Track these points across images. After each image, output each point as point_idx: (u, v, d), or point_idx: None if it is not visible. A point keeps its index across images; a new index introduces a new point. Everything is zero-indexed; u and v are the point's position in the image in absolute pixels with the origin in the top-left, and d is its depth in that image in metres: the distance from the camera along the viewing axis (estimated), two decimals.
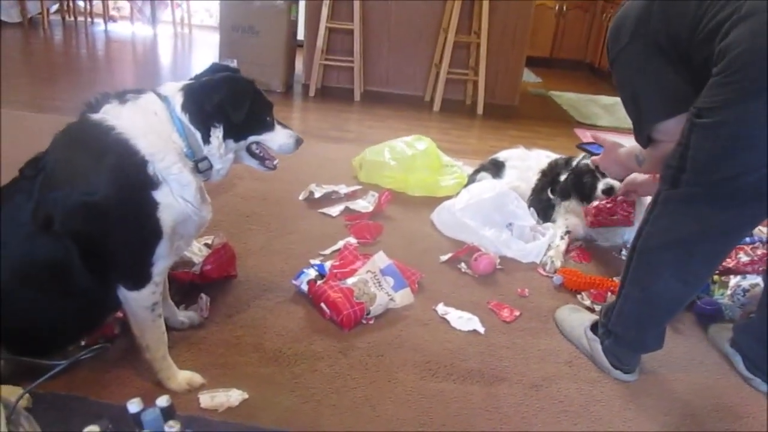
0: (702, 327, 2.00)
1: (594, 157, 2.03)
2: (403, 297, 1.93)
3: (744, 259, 2.22)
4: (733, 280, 2.12)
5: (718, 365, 1.82)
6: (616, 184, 2.38)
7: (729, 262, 2.20)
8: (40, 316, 1.32)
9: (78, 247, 1.28)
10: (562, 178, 2.63)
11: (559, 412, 1.56)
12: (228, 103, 1.42)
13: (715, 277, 2.16)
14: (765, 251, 2.20)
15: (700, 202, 1.44)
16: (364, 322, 1.83)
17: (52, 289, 1.30)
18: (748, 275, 2.11)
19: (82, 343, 1.50)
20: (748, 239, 2.31)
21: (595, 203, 2.42)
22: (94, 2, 6.97)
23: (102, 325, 1.53)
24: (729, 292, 2.09)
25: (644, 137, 1.62)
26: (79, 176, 1.27)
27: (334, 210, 2.59)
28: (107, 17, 6.98)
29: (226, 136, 1.45)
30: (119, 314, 1.54)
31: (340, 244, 2.27)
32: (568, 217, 2.56)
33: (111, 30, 6.80)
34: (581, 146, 1.99)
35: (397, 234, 2.48)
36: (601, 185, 2.43)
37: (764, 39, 1.25)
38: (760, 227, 2.33)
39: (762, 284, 1.96)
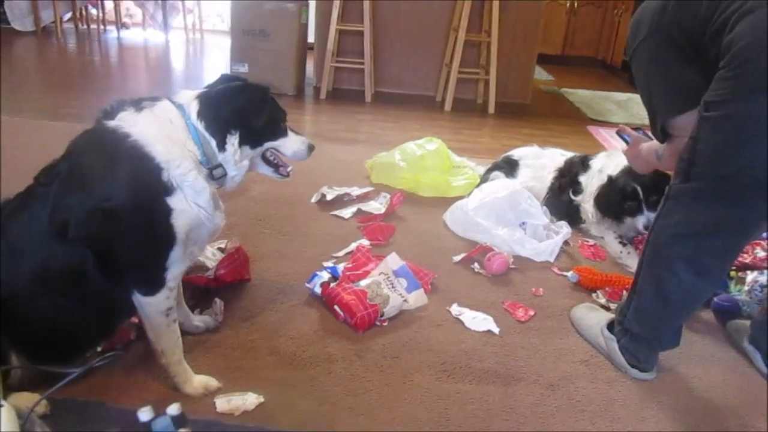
0: (719, 324, 1.97)
1: (624, 147, 2.01)
2: (417, 298, 1.93)
3: (761, 254, 2.19)
4: (750, 276, 2.09)
5: (737, 362, 1.80)
6: None
7: (746, 258, 2.18)
8: (57, 322, 1.33)
9: (93, 252, 1.29)
10: (582, 178, 2.59)
11: (577, 411, 1.54)
12: (248, 110, 1.45)
13: (732, 273, 2.14)
14: None
15: (710, 196, 1.43)
16: (378, 323, 1.82)
17: (69, 296, 1.32)
18: (765, 271, 2.08)
19: (99, 348, 1.51)
20: (765, 234, 2.28)
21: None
22: (107, 9, 7.05)
23: (118, 330, 1.54)
24: (746, 288, 2.06)
25: (659, 132, 1.61)
26: (95, 182, 1.28)
27: (347, 212, 2.59)
28: (120, 24, 7.06)
29: (242, 143, 1.47)
30: (135, 319, 1.55)
31: (353, 246, 2.27)
32: (604, 229, 2.52)
33: (124, 37, 6.87)
34: (619, 134, 1.97)
35: (410, 235, 2.47)
36: (643, 220, 2.35)
37: (763, 35, 1.24)
38: None
39: None
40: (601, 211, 2.51)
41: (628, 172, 2.41)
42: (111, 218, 1.27)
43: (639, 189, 2.35)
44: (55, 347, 1.35)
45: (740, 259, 2.12)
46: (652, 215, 2.33)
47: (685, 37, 1.48)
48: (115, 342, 1.57)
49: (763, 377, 1.73)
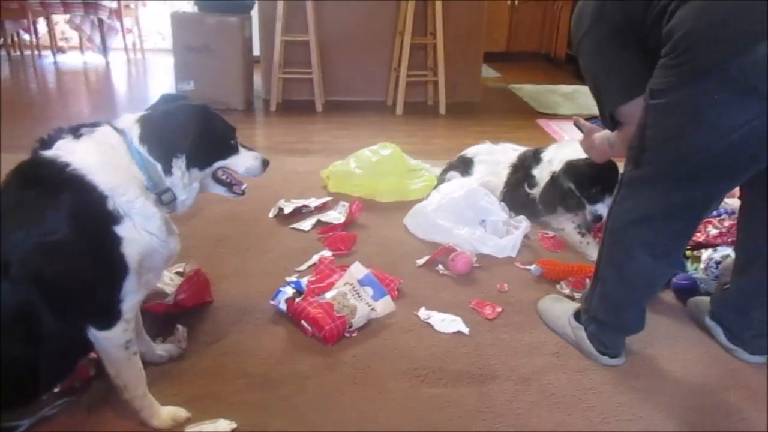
0: (680, 303, 2.02)
1: (580, 137, 2.03)
2: (384, 305, 1.91)
3: (713, 232, 2.25)
4: (705, 254, 2.14)
5: (700, 339, 1.84)
6: (603, 211, 2.38)
7: (699, 237, 2.23)
8: (6, 368, 1.26)
9: (40, 290, 1.22)
10: (535, 171, 2.63)
11: (552, 404, 1.55)
12: (190, 132, 1.40)
13: (688, 252, 2.19)
14: (732, 222, 2.24)
15: (662, 180, 1.46)
16: (348, 335, 1.80)
17: (18, 339, 1.24)
18: (718, 247, 2.14)
19: (56, 389, 1.44)
20: (714, 212, 2.35)
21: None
22: (41, 34, 6.83)
23: (76, 369, 1.47)
24: (702, 265, 2.11)
25: (609, 121, 1.64)
26: (35, 217, 1.22)
27: (306, 224, 2.56)
28: (55, 49, 6.84)
29: (189, 165, 1.42)
30: (93, 355, 1.49)
31: (315, 258, 2.24)
32: (563, 221, 2.55)
33: (61, 61, 6.67)
34: (576, 124, 2.00)
35: (372, 242, 2.46)
36: (589, 216, 2.42)
37: (704, 23, 1.28)
38: (725, 199, 2.37)
39: (733, 255, 1.99)
40: (547, 210, 2.58)
41: (566, 169, 2.47)
42: (56, 253, 1.22)
43: (573, 187, 2.42)
44: (7, 393, 1.28)
45: (694, 238, 2.18)
46: (596, 206, 2.39)
47: (626, 26, 1.52)
48: (73, 381, 1.50)
49: (726, 351, 1.77)
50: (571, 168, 2.44)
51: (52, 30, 6.82)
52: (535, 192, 2.62)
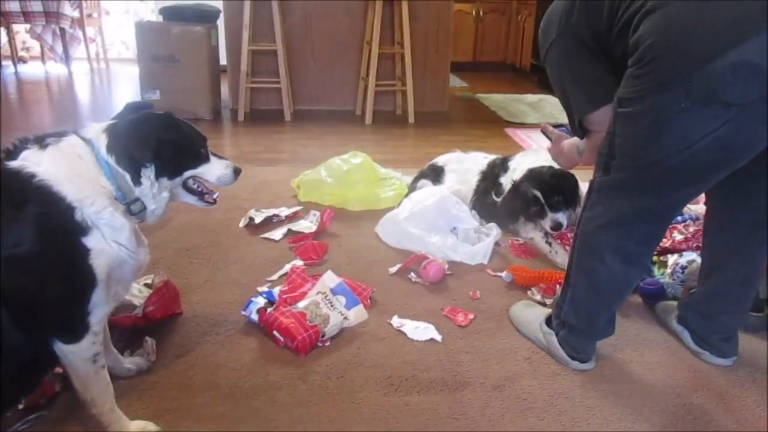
0: (648, 308, 2.05)
1: (548, 144, 2.06)
2: (357, 314, 1.90)
3: (678, 237, 2.31)
4: (671, 259, 2.19)
5: (668, 343, 1.87)
6: (563, 219, 2.42)
7: (665, 242, 2.28)
8: None
9: (5, 304, 1.18)
10: (502, 179, 2.65)
11: (525, 409, 1.56)
12: (135, 142, 1.37)
13: (654, 258, 2.23)
14: (697, 228, 2.30)
15: (630, 186, 1.49)
16: (320, 344, 1.78)
17: None
18: (684, 252, 2.19)
19: (20, 406, 1.40)
20: (679, 218, 2.41)
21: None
22: (1, 44, 6.66)
23: (40, 385, 1.43)
24: (669, 270, 2.16)
25: (578, 129, 1.66)
26: (0, 228, 1.19)
27: (277, 233, 2.54)
28: (17, 59, 6.68)
29: (159, 175, 1.40)
30: (58, 369, 1.44)
31: (287, 267, 2.22)
32: (529, 229, 2.57)
33: (22, 71, 6.52)
34: (543, 132, 2.03)
35: (344, 251, 2.45)
36: (549, 222, 2.44)
37: (668, 34, 1.31)
38: (690, 205, 2.43)
39: (698, 260, 2.03)
40: (509, 217, 2.60)
41: (528, 177, 2.50)
42: (22, 265, 1.18)
43: (539, 194, 2.45)
44: None
45: (660, 243, 2.22)
46: (557, 215, 2.42)
47: (591, 36, 1.54)
48: (38, 396, 1.45)
49: (693, 354, 1.80)
50: (535, 176, 2.48)
51: (13, 40, 6.66)
52: (525, 230, 2.64)
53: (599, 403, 1.59)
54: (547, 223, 2.45)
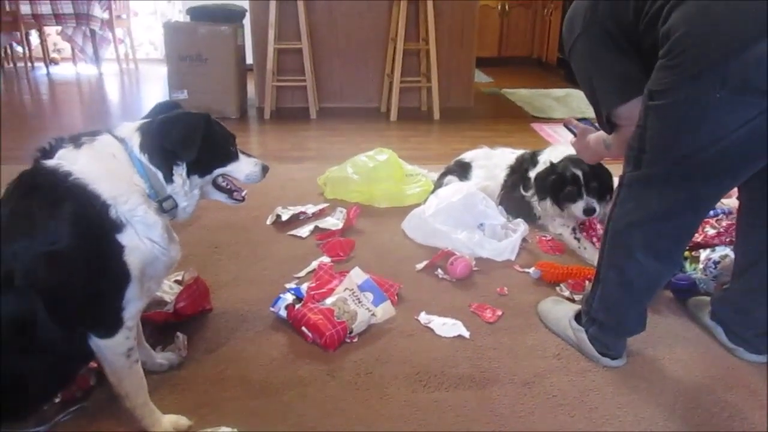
0: (680, 303, 2.02)
1: (571, 139, 2.03)
2: (385, 310, 1.91)
3: (711, 232, 2.26)
4: (704, 254, 2.15)
5: (700, 339, 1.84)
6: (597, 206, 2.39)
7: (697, 237, 2.24)
8: (8, 377, 1.24)
9: (43, 300, 1.22)
10: (531, 174, 2.63)
11: (555, 406, 1.55)
12: (189, 140, 1.39)
13: (686, 253, 2.20)
14: (730, 222, 2.25)
15: (662, 181, 1.47)
16: (348, 340, 1.79)
17: (19, 348, 1.23)
18: (716, 247, 2.15)
19: (57, 399, 1.43)
20: (711, 212, 2.36)
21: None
22: (33, 46, 6.81)
23: (76, 378, 1.46)
24: (701, 266, 2.12)
25: (605, 123, 1.64)
26: (38, 226, 1.22)
27: (304, 231, 2.55)
28: (48, 60, 6.83)
29: (190, 173, 1.43)
30: (93, 364, 1.48)
31: (314, 264, 2.23)
32: (557, 219, 2.54)
33: (54, 73, 6.65)
34: (566, 126, 2.00)
35: (370, 247, 2.45)
36: (582, 205, 2.40)
37: (701, 23, 1.29)
38: (723, 199, 2.38)
39: (731, 255, 1.99)
40: (540, 193, 2.56)
41: (569, 158, 2.47)
42: (59, 262, 1.21)
43: (580, 175, 2.41)
44: (8, 404, 1.27)
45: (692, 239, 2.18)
46: (591, 201, 2.39)
47: (618, 28, 1.52)
48: (74, 390, 1.49)
49: (726, 351, 1.77)
50: (576, 159, 2.42)
51: (45, 42, 6.81)
52: (530, 194, 2.62)
53: (631, 400, 1.57)
54: (579, 207, 2.41)
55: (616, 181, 1.74)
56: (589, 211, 2.39)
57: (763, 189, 1.56)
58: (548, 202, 2.54)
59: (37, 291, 1.21)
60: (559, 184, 2.47)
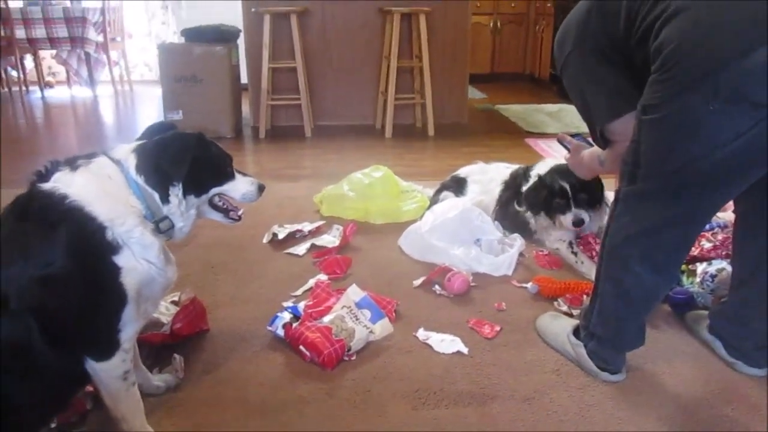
0: (678, 318, 2.01)
1: (566, 154, 2.04)
2: (383, 328, 1.90)
3: (707, 245, 2.27)
4: (700, 267, 2.16)
5: (699, 353, 1.84)
6: (586, 217, 2.41)
7: (694, 250, 2.25)
8: (2, 402, 1.23)
9: (38, 322, 1.21)
10: (524, 189, 2.64)
11: (555, 422, 1.54)
12: (170, 161, 1.40)
13: (683, 267, 2.20)
14: (726, 235, 2.26)
15: (657, 194, 1.47)
16: (346, 358, 1.78)
17: (14, 372, 1.22)
18: (713, 261, 2.16)
19: (53, 424, 1.42)
20: (707, 226, 2.37)
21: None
22: (28, 70, 6.83)
23: (72, 402, 1.45)
24: (698, 279, 2.12)
25: (599, 139, 1.65)
26: (34, 249, 1.21)
27: (300, 249, 2.55)
28: (43, 84, 6.84)
29: (187, 193, 1.43)
30: (89, 388, 1.46)
31: (311, 282, 2.23)
32: (552, 233, 2.55)
33: (48, 96, 6.67)
34: (560, 141, 2.01)
35: (367, 264, 2.45)
36: (571, 217, 2.41)
37: (692, 36, 1.30)
38: (718, 213, 2.39)
39: (728, 268, 2.00)
40: (531, 208, 2.57)
41: (556, 170, 2.49)
42: (55, 285, 1.20)
43: (567, 187, 2.42)
44: (3, 429, 1.25)
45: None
46: (579, 212, 2.40)
47: (610, 44, 1.54)
48: (70, 414, 1.47)
49: (726, 365, 1.77)
50: (563, 170, 2.43)
51: (39, 65, 6.83)
52: (524, 209, 2.63)
53: (631, 415, 1.57)
54: (568, 219, 2.42)
55: (609, 193, 1.75)
56: (578, 222, 2.41)
57: (758, 201, 1.57)
58: (542, 216, 2.55)
59: (32, 314, 1.20)
60: (549, 197, 2.49)
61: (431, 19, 4.75)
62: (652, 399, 1.63)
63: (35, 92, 6.73)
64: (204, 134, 1.50)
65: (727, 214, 2.39)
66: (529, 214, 2.60)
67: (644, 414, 1.57)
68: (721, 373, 1.74)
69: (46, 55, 6.97)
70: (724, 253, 2.18)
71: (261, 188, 1.60)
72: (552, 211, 2.50)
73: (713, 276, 2.07)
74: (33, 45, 6.33)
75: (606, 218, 1.68)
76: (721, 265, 2.08)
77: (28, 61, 6.89)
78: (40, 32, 6.24)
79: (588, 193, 2.43)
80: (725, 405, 1.61)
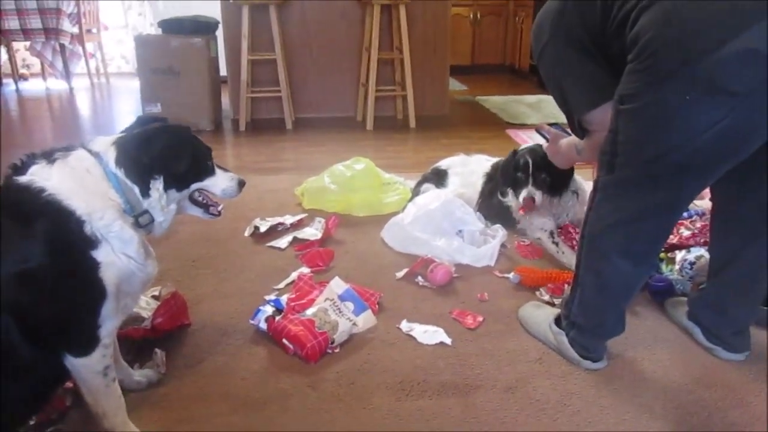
0: (657, 305, 2.04)
1: (544, 144, 2.05)
2: (366, 320, 1.90)
3: (686, 233, 2.30)
4: (679, 255, 2.18)
5: (679, 339, 1.86)
6: (538, 196, 2.43)
7: (672, 238, 2.27)
8: None
9: (16, 319, 1.18)
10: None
11: (538, 410, 1.55)
12: (169, 155, 1.39)
13: (662, 254, 2.23)
14: (704, 223, 2.29)
15: (635, 183, 1.48)
16: (330, 351, 1.78)
17: None
18: (692, 248, 2.18)
19: (32, 422, 1.40)
20: (685, 213, 2.40)
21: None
22: (1, 62, 6.68)
23: (51, 399, 1.43)
24: (677, 267, 2.15)
25: (578, 129, 1.66)
26: (11, 244, 1.19)
27: (282, 242, 2.54)
28: (17, 76, 6.71)
29: (167, 187, 1.41)
30: (69, 384, 1.44)
31: (294, 275, 2.22)
32: (535, 223, 2.55)
33: (23, 89, 6.54)
34: (539, 131, 2.02)
35: (350, 257, 2.44)
36: (523, 193, 2.44)
37: (669, 25, 1.31)
38: (695, 201, 2.42)
39: (706, 255, 2.03)
40: (502, 182, 2.61)
41: (531, 148, 2.52)
42: (32, 280, 1.18)
43: (530, 161, 2.44)
44: None
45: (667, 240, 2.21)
46: (533, 190, 2.43)
47: (586, 34, 1.54)
48: (49, 412, 1.45)
49: (704, 350, 1.79)
50: (535, 149, 2.47)
51: (13, 57, 6.68)
52: (507, 200, 2.64)
53: (613, 401, 1.59)
54: (521, 194, 2.45)
55: (588, 184, 1.76)
56: (527, 201, 2.43)
57: (733, 189, 1.59)
58: (511, 195, 2.57)
59: (9, 310, 1.18)
60: (512, 171, 2.52)
61: (411, 10, 4.74)
62: (634, 385, 1.65)
63: (9, 85, 6.60)
64: (188, 127, 1.48)
65: (704, 202, 2.43)
66: (509, 199, 2.61)
67: (626, 400, 1.59)
68: (700, 358, 1.77)
69: (20, 46, 6.82)
70: (702, 240, 2.21)
71: (241, 184, 1.58)
72: (513, 183, 2.53)
73: (692, 263, 2.10)
74: (6, 36, 6.19)
75: (585, 208, 1.69)
76: (700, 253, 2.11)
77: (2, 53, 6.74)
78: (13, 23, 6.10)
79: (551, 175, 2.43)
80: (705, 390, 1.63)
